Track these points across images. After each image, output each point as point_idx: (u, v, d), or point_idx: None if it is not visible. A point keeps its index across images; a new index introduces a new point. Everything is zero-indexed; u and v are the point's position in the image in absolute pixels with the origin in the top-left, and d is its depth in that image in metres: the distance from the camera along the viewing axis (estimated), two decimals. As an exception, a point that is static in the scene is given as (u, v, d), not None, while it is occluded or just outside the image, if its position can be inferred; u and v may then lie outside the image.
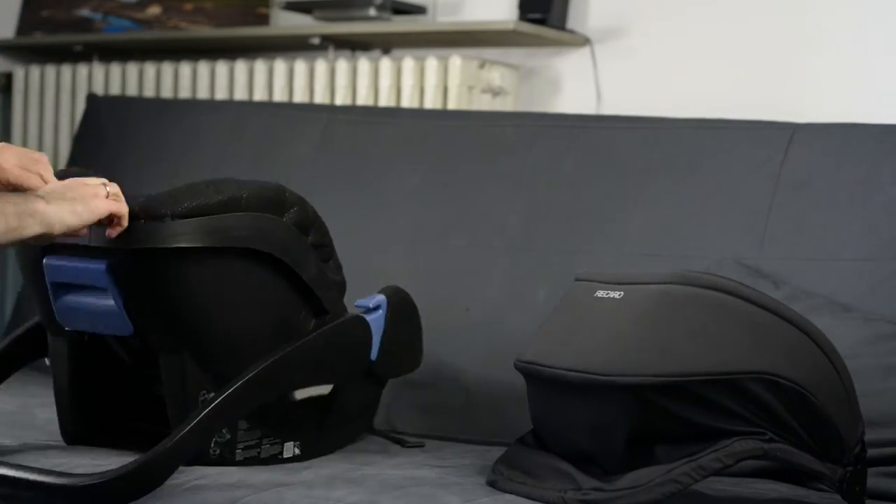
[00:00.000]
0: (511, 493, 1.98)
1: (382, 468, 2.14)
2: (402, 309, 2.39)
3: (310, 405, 2.23)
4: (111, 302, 2.06)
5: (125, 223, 2.01)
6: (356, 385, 2.31)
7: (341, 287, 2.28)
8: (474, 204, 2.78)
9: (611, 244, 2.62)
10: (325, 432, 2.26)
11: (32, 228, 1.90)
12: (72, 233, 1.96)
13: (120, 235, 2.01)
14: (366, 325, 2.29)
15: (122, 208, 2.00)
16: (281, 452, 2.20)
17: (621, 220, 2.63)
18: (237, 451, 2.14)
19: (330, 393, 2.25)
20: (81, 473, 1.96)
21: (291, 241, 2.15)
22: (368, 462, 2.20)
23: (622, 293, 1.98)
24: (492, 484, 2.03)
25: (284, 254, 2.13)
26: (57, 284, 2.11)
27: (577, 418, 1.96)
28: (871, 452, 2.02)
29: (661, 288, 1.94)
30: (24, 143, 3.96)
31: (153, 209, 2.03)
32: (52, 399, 2.25)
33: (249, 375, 2.08)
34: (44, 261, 2.10)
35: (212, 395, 2.07)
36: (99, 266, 2.05)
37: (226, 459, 2.13)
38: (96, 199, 1.97)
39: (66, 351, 2.20)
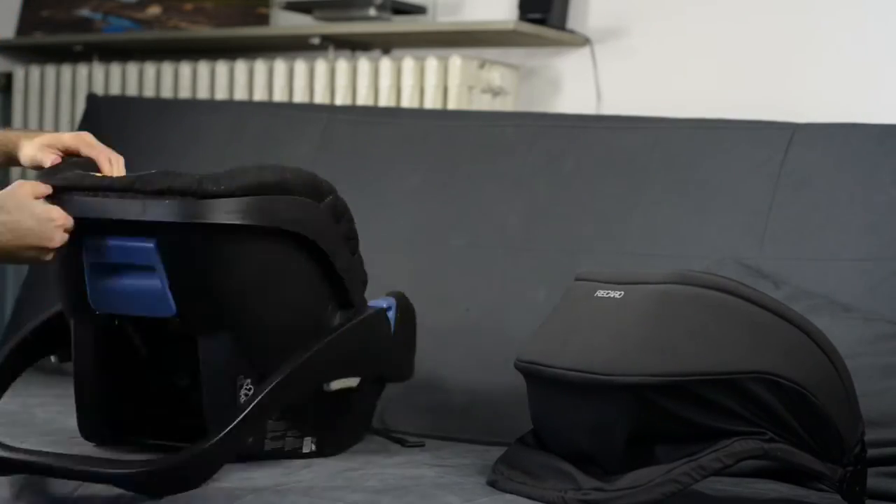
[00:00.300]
0: (511, 493, 1.98)
1: (382, 468, 2.14)
2: (406, 315, 2.39)
3: (329, 401, 2.22)
4: (155, 282, 2.04)
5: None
6: (371, 384, 2.32)
7: (365, 282, 2.28)
8: (474, 204, 2.78)
9: (611, 244, 2.62)
10: (339, 430, 2.26)
11: None
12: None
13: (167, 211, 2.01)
14: (387, 322, 2.30)
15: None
16: (301, 447, 2.20)
17: (621, 220, 2.63)
18: (266, 440, 2.14)
19: (343, 390, 2.24)
20: (126, 461, 1.97)
21: (328, 228, 2.15)
22: (368, 462, 2.20)
23: (622, 293, 1.98)
24: (492, 484, 2.03)
25: (322, 241, 2.13)
26: (96, 265, 2.07)
27: (577, 418, 1.96)
28: (871, 452, 2.02)
29: (661, 288, 1.94)
30: (24, 143, 3.95)
31: (207, 186, 2.02)
32: (52, 399, 2.24)
33: (292, 367, 2.08)
34: (84, 241, 2.06)
35: (247, 380, 2.07)
36: (147, 244, 2.02)
37: (255, 450, 2.12)
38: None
39: (93, 339, 2.16)
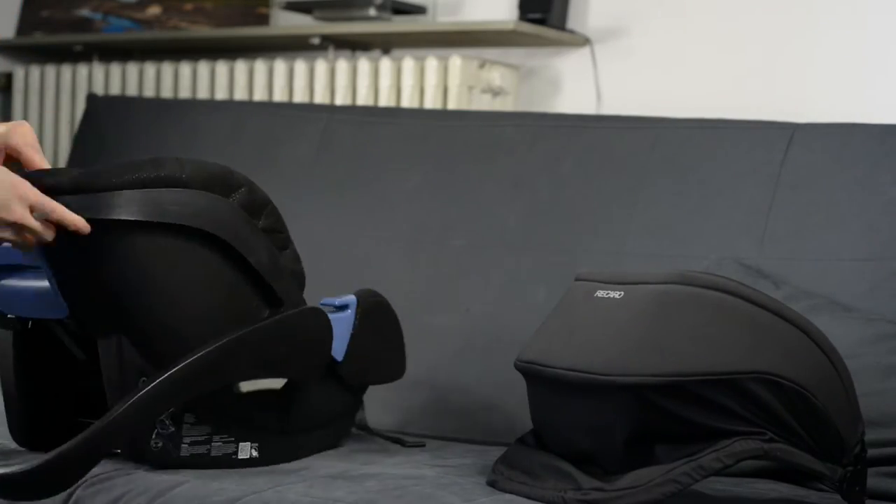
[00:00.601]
0: (511, 493, 1.98)
1: (382, 468, 2.14)
2: (376, 313, 2.32)
3: (268, 405, 2.16)
4: (45, 282, 2.01)
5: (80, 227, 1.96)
6: (321, 387, 2.23)
7: (299, 277, 2.19)
8: (474, 204, 2.78)
9: (611, 244, 2.62)
10: (286, 436, 2.18)
11: None
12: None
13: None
14: (323, 319, 2.19)
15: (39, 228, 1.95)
16: (236, 453, 2.12)
17: (621, 220, 2.63)
18: (183, 445, 2.07)
19: (288, 392, 2.18)
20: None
21: (237, 222, 2.06)
22: (368, 462, 2.20)
23: (622, 293, 1.97)
24: (492, 484, 2.03)
25: (228, 235, 2.04)
26: (4, 268, 2.05)
27: (577, 418, 1.96)
28: (871, 452, 2.02)
29: (661, 288, 1.94)
30: (24, 143, 3.95)
31: (87, 182, 1.97)
32: None
33: (186, 361, 1.99)
34: None
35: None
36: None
37: (169, 454, 2.06)
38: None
39: (11, 341, 2.13)
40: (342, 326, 2.24)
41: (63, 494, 2.01)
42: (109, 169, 2.00)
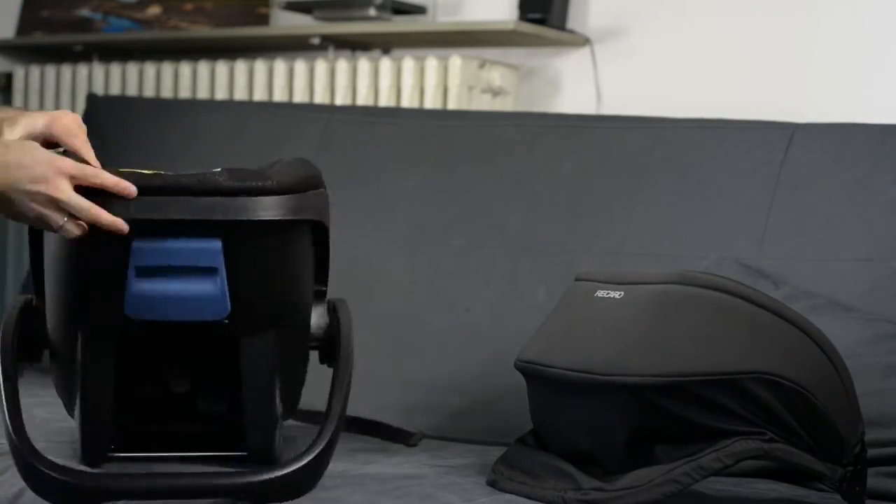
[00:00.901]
0: (511, 493, 1.98)
1: (382, 468, 2.14)
2: None
3: None
4: (211, 283, 1.95)
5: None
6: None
7: None
8: (474, 204, 2.78)
9: (611, 244, 2.62)
10: None
11: None
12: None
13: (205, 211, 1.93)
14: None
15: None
16: None
17: (621, 220, 2.63)
18: None
19: None
20: (233, 472, 1.95)
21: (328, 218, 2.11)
22: (368, 462, 2.20)
23: (622, 293, 1.98)
24: (492, 484, 2.03)
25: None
26: (144, 269, 1.94)
27: (577, 418, 1.96)
28: (871, 452, 2.02)
29: (661, 288, 1.94)
30: (24, 143, 3.96)
31: (267, 183, 1.96)
32: (52, 398, 2.19)
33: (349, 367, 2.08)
34: (132, 243, 1.92)
35: (279, 382, 2.04)
36: (213, 245, 1.93)
37: None
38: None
39: (113, 351, 2.01)
40: None
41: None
42: (270, 171, 1.99)
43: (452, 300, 2.69)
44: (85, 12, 3.97)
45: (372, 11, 3.47)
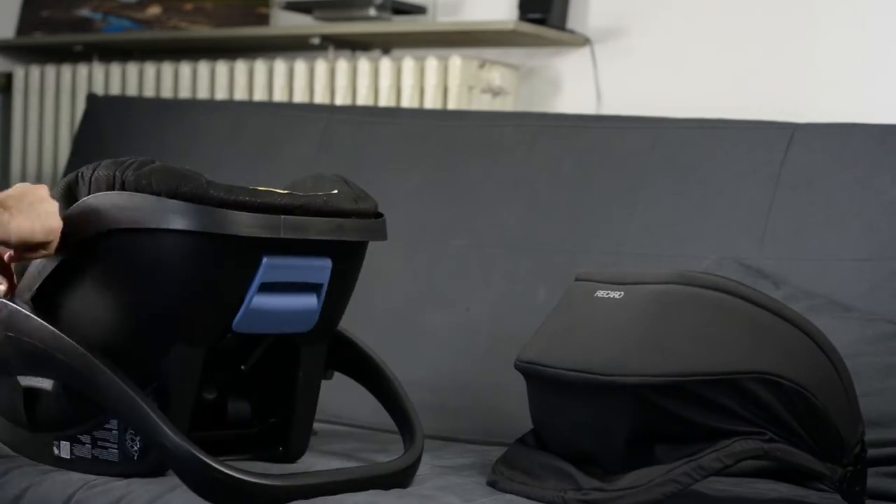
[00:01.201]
0: (511, 493, 1.98)
1: (382, 468, 2.14)
2: None
3: None
4: (312, 298, 2.04)
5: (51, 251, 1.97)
6: None
7: None
8: (474, 204, 2.78)
9: (611, 244, 2.62)
10: None
11: None
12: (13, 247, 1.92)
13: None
14: None
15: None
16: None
17: (621, 220, 2.63)
18: None
19: None
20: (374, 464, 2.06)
21: None
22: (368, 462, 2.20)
23: (622, 293, 1.97)
24: (492, 484, 2.03)
25: None
26: (266, 285, 1.97)
27: (577, 418, 1.96)
28: (871, 452, 2.02)
29: (661, 288, 1.94)
30: (24, 143, 3.96)
31: (369, 207, 2.10)
32: None
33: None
34: (264, 260, 1.95)
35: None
36: (325, 262, 2.02)
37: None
38: (53, 218, 1.93)
39: (202, 363, 2.01)
40: None
41: (64, 496, 2.01)
42: (361, 194, 2.11)
43: (452, 300, 2.69)
44: (85, 12, 3.97)
45: (372, 11, 3.47)
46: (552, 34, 3.31)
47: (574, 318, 2.02)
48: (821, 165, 2.51)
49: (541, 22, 3.30)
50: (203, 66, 3.70)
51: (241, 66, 3.65)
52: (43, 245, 1.95)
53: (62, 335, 1.97)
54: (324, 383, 2.19)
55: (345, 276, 2.09)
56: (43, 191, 1.96)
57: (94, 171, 1.98)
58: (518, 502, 1.94)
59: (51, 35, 3.97)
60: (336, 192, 2.07)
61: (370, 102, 3.45)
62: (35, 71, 3.94)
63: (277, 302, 1.99)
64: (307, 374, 2.12)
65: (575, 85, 3.37)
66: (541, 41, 3.36)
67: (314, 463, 2.14)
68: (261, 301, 1.97)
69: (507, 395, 2.40)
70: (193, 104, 3.40)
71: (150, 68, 3.77)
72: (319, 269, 2.02)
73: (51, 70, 3.92)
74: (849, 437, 1.94)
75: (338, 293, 2.09)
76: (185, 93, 3.70)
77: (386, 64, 3.45)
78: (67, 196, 2.00)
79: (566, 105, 3.37)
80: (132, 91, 3.77)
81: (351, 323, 2.23)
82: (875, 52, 3.03)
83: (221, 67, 3.67)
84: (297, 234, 1.96)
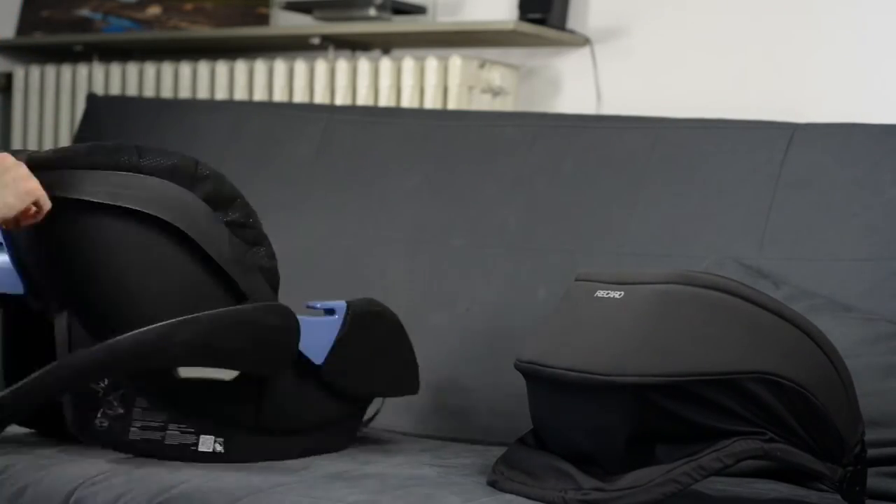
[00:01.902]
0: (511, 493, 1.98)
1: (383, 468, 2.14)
2: (373, 322, 2.29)
3: (235, 400, 2.14)
4: (5, 257, 2.03)
5: (46, 208, 1.98)
6: (297, 389, 2.20)
7: (270, 274, 2.19)
8: (474, 204, 2.78)
9: (611, 244, 2.62)
10: (257, 435, 2.16)
11: None
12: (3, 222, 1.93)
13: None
14: (288, 317, 2.15)
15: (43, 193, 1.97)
16: (196, 444, 2.11)
17: (621, 220, 2.63)
18: (132, 429, 2.08)
19: (256, 389, 2.15)
20: None
21: (196, 213, 2.08)
22: (368, 462, 2.20)
23: (622, 293, 1.97)
24: (492, 484, 2.03)
25: (185, 224, 2.07)
26: None
27: (577, 418, 1.96)
28: (871, 452, 2.02)
29: (661, 288, 1.94)
30: (24, 143, 3.96)
31: (46, 161, 2.00)
32: None
33: (117, 338, 1.99)
34: None
35: None
36: None
37: (114, 434, 2.07)
38: (27, 182, 1.94)
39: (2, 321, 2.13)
40: (325, 330, 2.21)
41: (63, 494, 2.02)
42: (72, 149, 2.03)
43: (452, 300, 2.69)
44: (85, 12, 3.97)
45: (372, 11, 3.47)
46: (552, 34, 3.31)
47: (574, 318, 2.02)
48: (821, 165, 2.51)
49: (541, 22, 3.30)
50: (203, 66, 3.70)
51: (241, 66, 3.65)
52: (26, 211, 1.97)
53: None
54: None
55: (39, 236, 2.00)
56: (7, 160, 1.96)
57: None
58: (518, 502, 1.94)
59: (51, 35, 3.97)
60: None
61: (370, 102, 3.45)
62: (35, 71, 3.94)
63: None
64: (60, 347, 2.04)
65: (575, 85, 3.37)
66: (541, 41, 3.36)
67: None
68: None
69: (507, 395, 2.40)
70: (193, 104, 3.40)
71: (150, 68, 3.77)
72: None
73: (51, 70, 3.92)
74: (849, 437, 1.94)
75: (37, 254, 2.02)
76: (185, 93, 3.70)
77: (386, 64, 3.45)
78: None
79: (566, 105, 3.37)
80: (132, 91, 3.77)
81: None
82: (875, 53, 3.03)
83: (221, 67, 3.67)
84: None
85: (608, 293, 1.99)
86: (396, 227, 2.82)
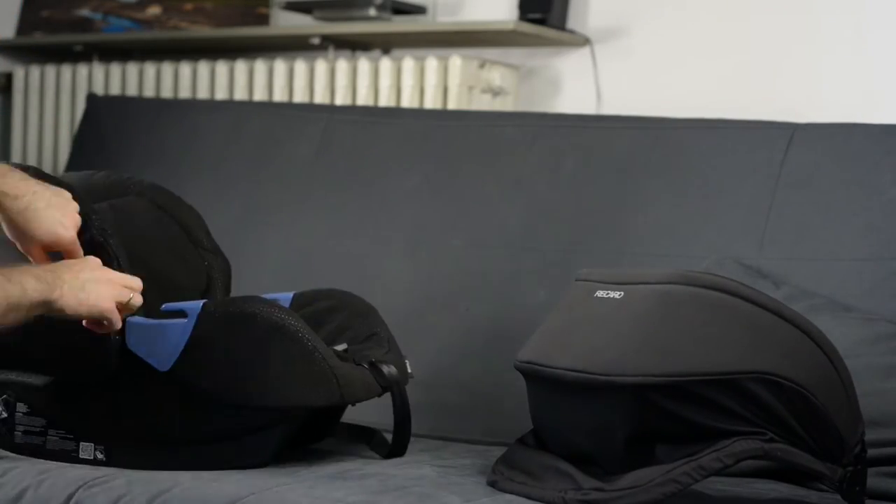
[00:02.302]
0: (511, 493, 1.98)
1: (383, 468, 2.14)
2: (237, 324, 2.07)
3: (86, 408, 2.11)
4: None
5: (116, 326, 2.00)
6: (148, 399, 2.07)
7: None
8: (474, 204, 2.78)
9: (611, 244, 2.62)
10: (137, 446, 2.09)
11: (35, 308, 1.91)
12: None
13: None
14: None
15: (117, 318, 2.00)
16: (77, 451, 2.11)
17: (621, 220, 2.63)
18: (16, 433, 2.14)
19: (97, 397, 2.10)
20: None
21: None
22: (369, 462, 2.20)
23: (622, 293, 1.97)
24: (492, 484, 2.03)
25: None
26: None
27: (577, 418, 1.96)
28: (871, 452, 2.01)
29: (661, 288, 1.94)
30: (24, 143, 3.96)
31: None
32: None
33: None
34: None
35: None
36: None
37: (3, 437, 2.15)
38: (107, 303, 1.97)
39: None
40: (173, 335, 2.04)
41: (63, 495, 2.01)
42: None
43: (452, 300, 2.69)
44: (85, 12, 3.97)
45: (372, 11, 3.47)
46: (552, 34, 3.31)
47: (574, 319, 2.02)
48: (821, 165, 2.51)
49: (541, 22, 3.30)
50: (203, 66, 3.70)
51: (241, 66, 3.65)
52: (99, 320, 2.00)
53: None
54: None
55: None
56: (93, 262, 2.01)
57: None
58: (518, 502, 1.94)
59: (51, 35, 3.96)
60: None
61: (370, 102, 3.45)
62: (35, 71, 3.94)
63: None
64: None
65: (575, 85, 3.37)
66: (541, 41, 3.36)
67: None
68: None
69: (507, 395, 2.40)
70: (193, 104, 3.40)
71: (150, 68, 3.77)
72: None
73: (51, 70, 3.92)
74: (849, 437, 1.94)
75: None
76: (185, 93, 3.70)
77: (386, 64, 3.45)
78: None
79: (566, 105, 3.37)
80: (132, 91, 3.77)
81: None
82: (875, 52, 3.03)
83: (221, 67, 3.67)
84: None
85: (608, 293, 1.99)
86: (396, 227, 2.82)
